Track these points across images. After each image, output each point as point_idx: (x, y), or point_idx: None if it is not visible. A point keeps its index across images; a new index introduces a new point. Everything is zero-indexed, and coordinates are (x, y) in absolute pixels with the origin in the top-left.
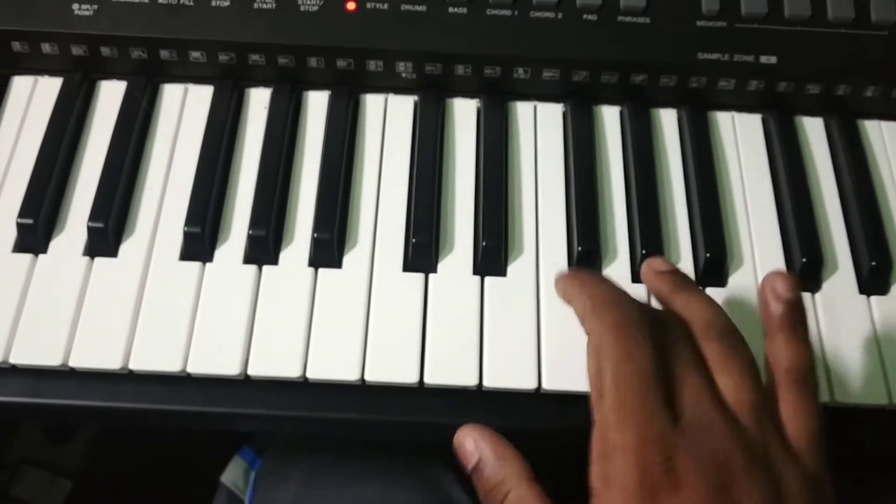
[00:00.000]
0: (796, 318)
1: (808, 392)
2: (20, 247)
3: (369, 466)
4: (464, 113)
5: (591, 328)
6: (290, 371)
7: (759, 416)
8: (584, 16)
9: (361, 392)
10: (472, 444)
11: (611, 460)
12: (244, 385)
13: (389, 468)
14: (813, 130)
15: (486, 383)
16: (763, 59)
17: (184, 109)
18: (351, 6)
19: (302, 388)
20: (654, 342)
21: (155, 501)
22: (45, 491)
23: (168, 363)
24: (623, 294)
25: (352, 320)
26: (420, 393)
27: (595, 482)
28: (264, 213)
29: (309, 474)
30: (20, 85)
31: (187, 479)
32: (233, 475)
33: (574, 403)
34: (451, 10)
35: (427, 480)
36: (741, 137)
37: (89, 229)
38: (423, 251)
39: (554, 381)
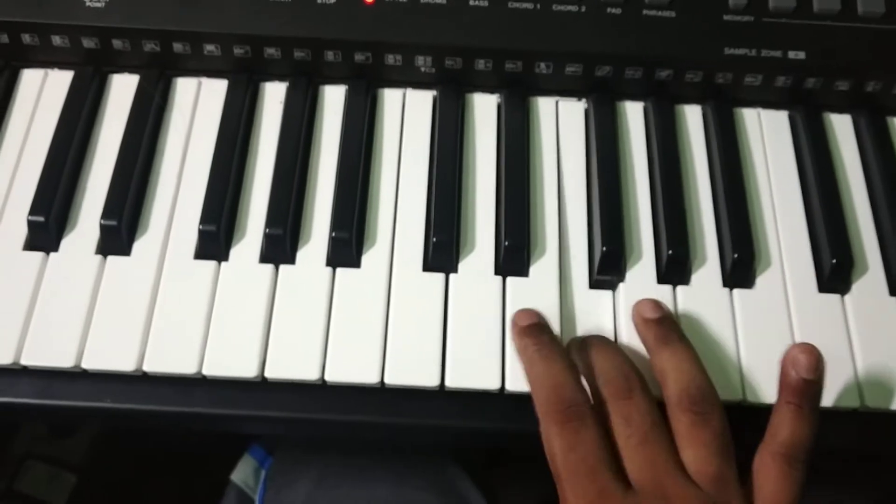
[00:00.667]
0: (810, 394)
1: (796, 469)
2: (31, 245)
3: (381, 466)
4: (484, 108)
5: (539, 415)
6: (308, 374)
7: (720, 486)
8: (608, 9)
9: (380, 394)
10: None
11: None
12: (260, 387)
13: (402, 467)
14: (841, 128)
15: (509, 387)
16: (791, 54)
17: (197, 104)
18: None
19: (319, 391)
20: (597, 424)
21: (160, 496)
22: (49, 485)
23: (183, 365)
24: (572, 377)
25: (371, 322)
26: (440, 396)
27: None
28: (281, 211)
29: (320, 474)
30: (30, 78)
31: (193, 474)
32: (243, 473)
33: None
34: (471, 2)
35: (441, 481)
36: (768, 134)
37: (102, 227)
38: (443, 251)
39: None
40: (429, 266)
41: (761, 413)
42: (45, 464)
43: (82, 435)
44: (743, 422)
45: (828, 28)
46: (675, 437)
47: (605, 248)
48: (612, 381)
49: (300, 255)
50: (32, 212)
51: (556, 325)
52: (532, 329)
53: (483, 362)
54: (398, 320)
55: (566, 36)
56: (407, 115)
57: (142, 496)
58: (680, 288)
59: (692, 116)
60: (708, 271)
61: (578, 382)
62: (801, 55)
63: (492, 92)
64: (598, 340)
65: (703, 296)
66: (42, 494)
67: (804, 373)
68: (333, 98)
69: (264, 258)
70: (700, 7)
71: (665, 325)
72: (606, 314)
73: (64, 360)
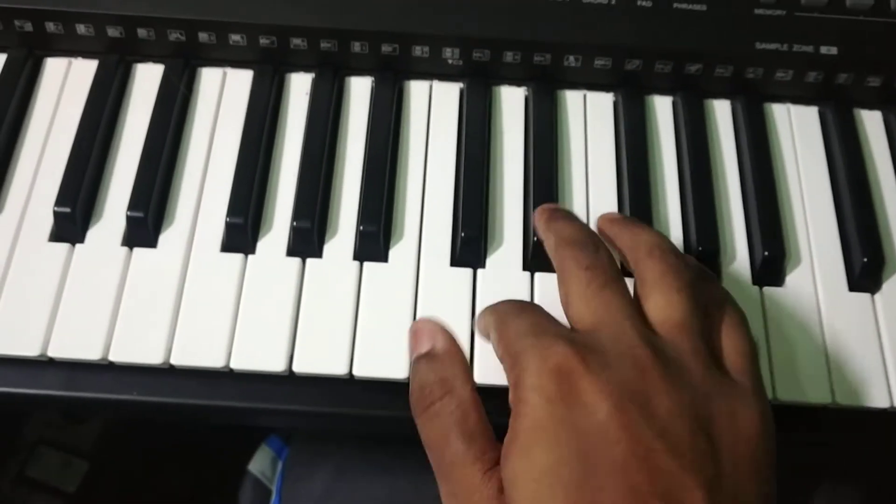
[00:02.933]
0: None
1: (738, 315)
2: (57, 236)
3: (399, 457)
4: (511, 101)
5: (492, 328)
6: (336, 368)
7: (689, 336)
8: (639, 2)
9: (407, 389)
10: (429, 333)
11: (517, 365)
12: (287, 381)
13: (420, 460)
14: (872, 124)
15: None
16: (823, 49)
17: (222, 94)
18: None
19: (347, 385)
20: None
21: (172, 484)
22: (61, 472)
23: (211, 359)
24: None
25: (398, 317)
26: None
27: (510, 398)
28: (309, 204)
29: (339, 466)
30: (53, 67)
31: (205, 461)
32: (260, 464)
33: None
34: None
35: None
36: (797, 130)
37: (128, 219)
38: (471, 246)
39: None
40: (457, 261)
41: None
42: (57, 450)
43: (95, 422)
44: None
45: (860, 23)
46: (640, 286)
47: None
48: (579, 241)
49: (327, 248)
50: (58, 203)
51: None
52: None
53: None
54: (426, 315)
55: (596, 28)
56: (434, 107)
57: (154, 483)
58: None
59: (721, 111)
60: (737, 268)
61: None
62: (833, 50)
63: (518, 84)
64: (566, 213)
65: (733, 293)
66: (54, 481)
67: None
68: (359, 90)
69: (291, 251)
70: (731, 0)
71: (627, 218)
72: None
73: (91, 353)
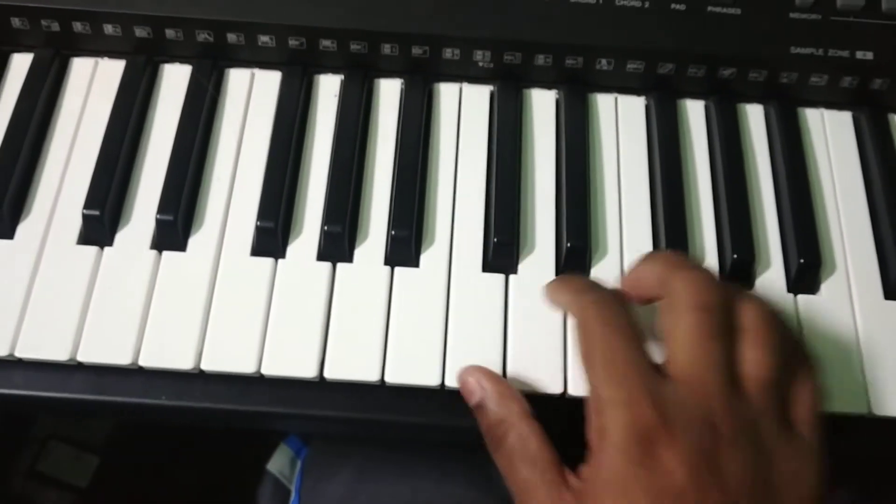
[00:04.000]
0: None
1: (813, 368)
2: (85, 239)
3: (422, 460)
4: (542, 105)
5: (575, 312)
6: (369, 375)
7: (768, 394)
8: (672, 5)
9: (440, 396)
10: (475, 381)
11: (603, 415)
12: (318, 387)
13: (443, 462)
14: None
15: (572, 391)
16: (859, 54)
17: (251, 96)
18: None
19: (378, 391)
20: (632, 311)
21: (183, 480)
22: (71, 466)
23: (241, 364)
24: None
25: (431, 322)
26: None
27: (591, 436)
28: (340, 208)
29: (360, 467)
30: (80, 67)
31: (218, 457)
32: (279, 463)
33: None
34: None
35: (483, 476)
36: (831, 136)
37: (158, 222)
38: (504, 252)
39: None
40: (489, 266)
41: None
42: (68, 445)
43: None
44: None
45: None
46: (739, 333)
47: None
48: (698, 269)
49: (358, 253)
50: (87, 205)
51: None
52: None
53: (545, 365)
54: (458, 322)
55: (629, 31)
56: (464, 110)
57: (166, 479)
58: None
59: (754, 116)
60: (772, 276)
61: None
62: (869, 55)
63: (548, 87)
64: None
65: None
66: (65, 475)
67: None
68: (389, 92)
69: (322, 256)
70: (766, 4)
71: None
72: None
73: (120, 358)
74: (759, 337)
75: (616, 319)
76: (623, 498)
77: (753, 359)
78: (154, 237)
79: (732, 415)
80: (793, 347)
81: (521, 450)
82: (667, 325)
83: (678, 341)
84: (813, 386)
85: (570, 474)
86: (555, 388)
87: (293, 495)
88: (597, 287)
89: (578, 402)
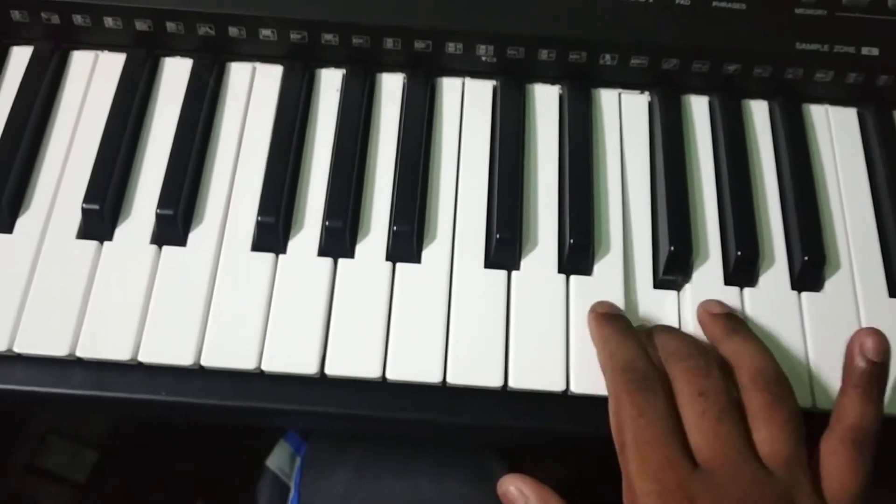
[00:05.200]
0: (876, 378)
1: (863, 454)
2: (85, 233)
3: (421, 456)
4: (545, 100)
5: (609, 387)
6: (370, 371)
7: (791, 469)
8: (677, 0)
9: (440, 393)
10: (516, 490)
11: (630, 481)
12: (318, 383)
13: (443, 459)
14: None
15: (574, 389)
16: (865, 50)
17: (252, 90)
18: None
19: (379, 388)
20: (667, 396)
21: (182, 475)
22: (70, 461)
23: (242, 360)
24: (640, 348)
25: (432, 319)
26: (502, 396)
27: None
28: (341, 203)
29: (359, 463)
30: (80, 60)
31: (216, 452)
32: (278, 460)
33: None
34: None
35: (482, 472)
36: (836, 132)
37: (158, 217)
38: (507, 248)
39: None
40: (491, 263)
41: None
42: (66, 440)
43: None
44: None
45: None
46: (749, 417)
47: (672, 249)
48: (691, 358)
49: (359, 248)
50: (87, 199)
51: None
52: (610, 315)
53: (547, 363)
54: (460, 318)
55: (633, 27)
56: (466, 105)
57: (165, 474)
58: (747, 290)
59: (759, 112)
60: (776, 273)
61: (651, 360)
62: (875, 51)
63: (552, 83)
64: (668, 327)
65: (770, 299)
66: (63, 470)
67: (872, 355)
68: (391, 86)
69: (323, 251)
70: (771, 0)
71: (734, 319)
72: (671, 315)
73: (120, 353)
74: (769, 416)
75: (648, 409)
76: None
77: (768, 437)
78: (154, 232)
79: (764, 490)
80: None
81: None
82: (680, 404)
83: (691, 429)
84: (855, 466)
85: None
86: (557, 385)
87: (292, 492)
88: (635, 364)
89: (580, 400)
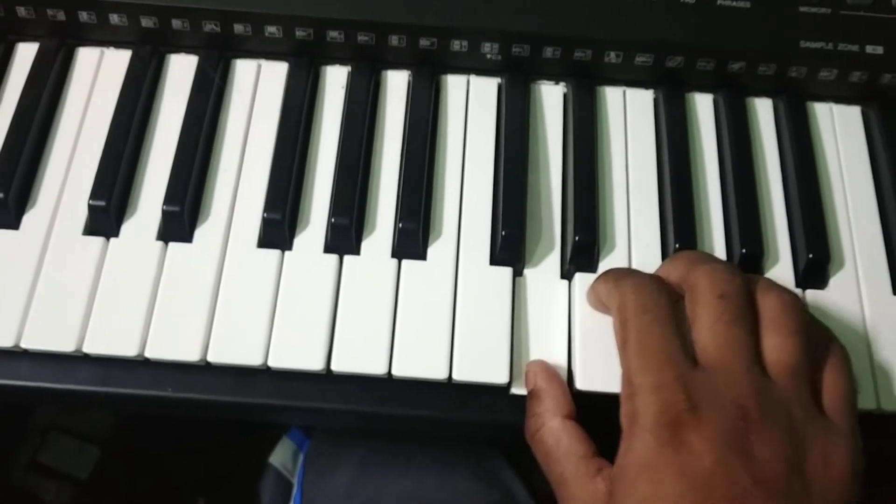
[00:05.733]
0: None
1: (842, 355)
2: (91, 229)
3: (424, 452)
4: (550, 97)
5: (615, 298)
6: (376, 368)
7: (795, 379)
8: None
9: (446, 390)
10: (531, 375)
11: (635, 400)
12: (324, 379)
13: (447, 456)
14: None
15: (579, 386)
16: (869, 48)
17: (257, 87)
18: None
19: (385, 384)
20: (671, 298)
21: (185, 473)
22: (72, 458)
23: (249, 357)
24: (652, 277)
25: (438, 316)
26: (508, 394)
27: (623, 421)
28: (346, 200)
29: (363, 460)
30: (86, 57)
31: (219, 450)
32: (281, 456)
33: None
34: None
35: (486, 470)
36: (840, 130)
37: (164, 213)
38: (512, 245)
39: None
40: (496, 260)
41: None
42: (69, 436)
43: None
44: None
45: None
46: (761, 322)
47: (678, 246)
48: (715, 261)
49: (365, 245)
50: (93, 196)
51: None
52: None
53: (551, 359)
54: (465, 315)
55: (638, 24)
56: (471, 102)
57: (165, 472)
58: None
59: (763, 110)
60: (780, 271)
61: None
62: (879, 50)
63: (556, 80)
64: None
65: None
66: (66, 467)
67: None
68: (396, 84)
69: (329, 248)
70: None
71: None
72: None
73: (127, 349)
74: (782, 324)
75: (653, 306)
76: (653, 480)
77: (777, 345)
78: (160, 228)
79: (761, 399)
80: (820, 335)
81: (554, 445)
82: (691, 316)
83: (702, 330)
84: (842, 373)
85: (605, 463)
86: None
87: (295, 488)
88: (636, 273)
89: (586, 397)
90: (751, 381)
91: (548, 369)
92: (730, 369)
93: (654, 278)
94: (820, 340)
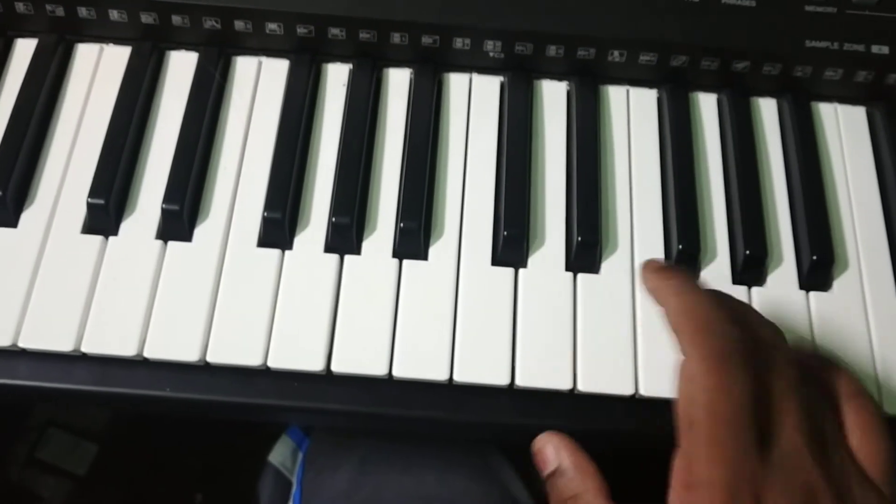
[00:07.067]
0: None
1: (871, 413)
2: (90, 228)
3: (425, 452)
4: (553, 96)
5: (687, 351)
6: (376, 369)
7: (850, 461)
8: None
9: (447, 391)
10: (553, 450)
11: (695, 492)
12: (324, 380)
13: (446, 455)
14: None
15: (581, 387)
16: (875, 48)
17: (258, 84)
18: None
19: (384, 385)
20: (755, 374)
21: (183, 470)
22: (70, 454)
23: (248, 357)
24: (725, 312)
25: (439, 317)
26: (509, 394)
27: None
28: (347, 199)
29: (363, 459)
30: (85, 53)
31: (217, 447)
32: (281, 455)
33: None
34: None
35: (485, 469)
36: (845, 131)
37: (164, 212)
38: (514, 245)
39: (651, 388)
40: (498, 260)
41: None
42: (67, 433)
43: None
44: None
45: None
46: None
47: (681, 247)
48: (805, 386)
49: (366, 245)
50: (92, 194)
51: (629, 325)
52: (670, 268)
53: (554, 361)
54: (467, 316)
55: (642, 23)
56: (474, 101)
57: (164, 469)
58: (755, 289)
59: (767, 110)
60: (784, 273)
61: (739, 324)
62: (885, 50)
63: (559, 79)
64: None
65: (778, 298)
66: (63, 463)
67: None
68: (398, 82)
69: (329, 248)
70: None
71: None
72: None
73: (125, 349)
74: (863, 421)
75: (735, 388)
76: None
77: (862, 442)
78: (159, 227)
79: (829, 484)
80: (844, 392)
81: None
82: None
83: (779, 420)
84: (878, 435)
85: None
86: (564, 384)
87: (295, 487)
88: (723, 329)
89: (587, 398)
90: (820, 466)
91: (571, 443)
92: (799, 455)
93: (741, 342)
94: (845, 395)
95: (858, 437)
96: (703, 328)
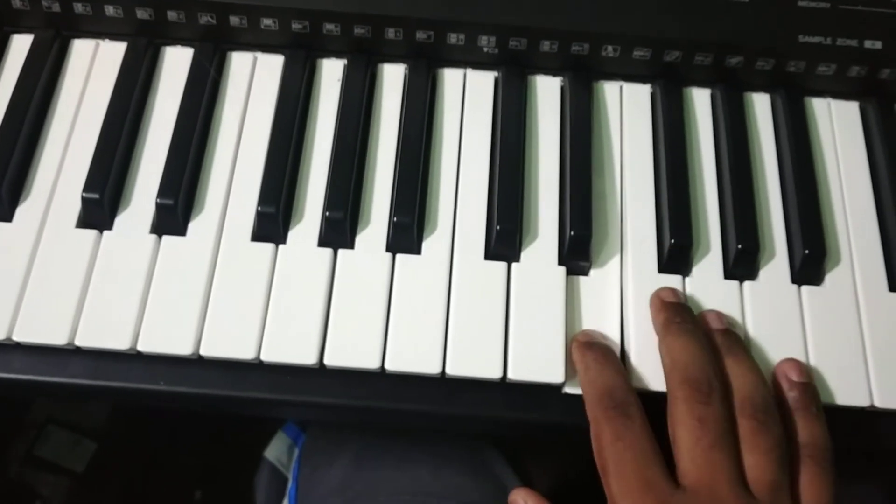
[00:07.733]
0: (809, 399)
1: (825, 471)
2: (84, 222)
3: (419, 448)
4: (547, 91)
5: (589, 413)
6: (369, 362)
7: (774, 494)
8: None
9: (439, 384)
10: (522, 501)
11: None
12: (317, 373)
13: (440, 450)
14: None
15: (569, 389)
16: (868, 43)
17: (253, 79)
18: None
19: (377, 379)
20: (643, 420)
21: (181, 467)
22: (69, 451)
23: (242, 350)
24: (618, 374)
25: (432, 310)
26: (501, 388)
27: None
28: (341, 194)
29: (358, 455)
30: (81, 49)
31: (215, 443)
32: (276, 451)
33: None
34: None
35: (479, 463)
36: (838, 126)
37: (158, 206)
38: (508, 240)
39: (643, 384)
40: (491, 254)
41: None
42: (66, 430)
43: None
44: None
45: None
46: (739, 438)
47: (673, 241)
48: (693, 382)
49: (359, 239)
50: (87, 188)
51: (616, 322)
52: (590, 343)
53: (545, 355)
54: (459, 310)
55: (636, 18)
56: (468, 96)
57: (161, 466)
58: (747, 284)
59: (761, 105)
60: (776, 267)
61: (629, 385)
62: (878, 45)
63: (553, 74)
64: (683, 330)
65: (770, 292)
66: (62, 460)
67: (797, 378)
68: (393, 77)
69: (323, 242)
70: None
71: (730, 336)
72: None
73: (119, 342)
74: (755, 443)
75: (626, 431)
76: None
77: (753, 464)
78: (154, 221)
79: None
80: (807, 442)
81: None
82: (672, 432)
83: (683, 453)
84: (822, 480)
85: None
86: (556, 377)
87: (290, 483)
88: (614, 388)
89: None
90: (734, 498)
91: (537, 495)
92: (713, 489)
93: (625, 396)
94: (806, 447)
95: (804, 483)
96: (598, 394)
